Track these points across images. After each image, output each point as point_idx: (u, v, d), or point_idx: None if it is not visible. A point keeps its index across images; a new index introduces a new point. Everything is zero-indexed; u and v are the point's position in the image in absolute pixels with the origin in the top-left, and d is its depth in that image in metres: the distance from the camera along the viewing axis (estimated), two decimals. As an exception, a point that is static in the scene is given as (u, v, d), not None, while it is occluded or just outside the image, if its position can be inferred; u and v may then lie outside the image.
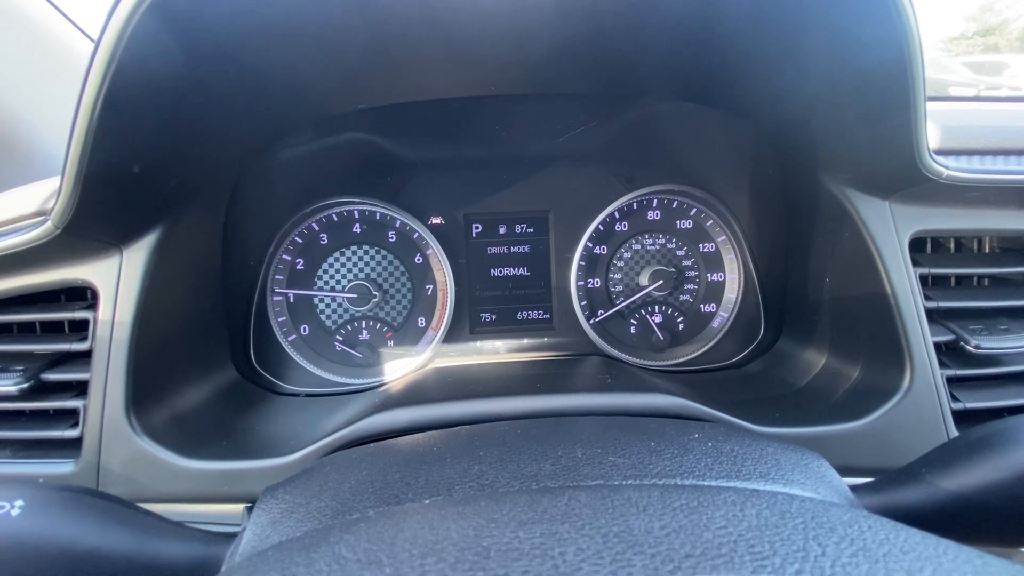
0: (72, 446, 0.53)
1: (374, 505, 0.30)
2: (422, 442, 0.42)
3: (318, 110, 0.64)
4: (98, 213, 0.46)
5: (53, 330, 0.56)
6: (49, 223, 0.45)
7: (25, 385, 0.52)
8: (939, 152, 0.57)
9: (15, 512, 0.28)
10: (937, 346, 0.57)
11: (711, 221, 0.78)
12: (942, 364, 0.57)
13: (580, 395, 0.56)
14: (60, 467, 0.53)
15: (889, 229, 0.56)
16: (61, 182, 0.43)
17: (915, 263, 0.58)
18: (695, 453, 0.35)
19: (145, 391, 0.54)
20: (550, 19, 0.47)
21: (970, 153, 0.58)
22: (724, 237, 0.78)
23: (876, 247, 0.56)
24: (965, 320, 0.59)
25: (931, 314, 0.58)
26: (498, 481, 0.31)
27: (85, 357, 0.53)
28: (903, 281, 0.56)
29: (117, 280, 0.52)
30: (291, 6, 0.42)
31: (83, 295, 0.54)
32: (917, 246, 0.61)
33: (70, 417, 0.54)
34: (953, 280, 0.63)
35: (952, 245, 0.64)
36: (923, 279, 0.58)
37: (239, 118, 0.56)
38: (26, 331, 0.56)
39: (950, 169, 0.51)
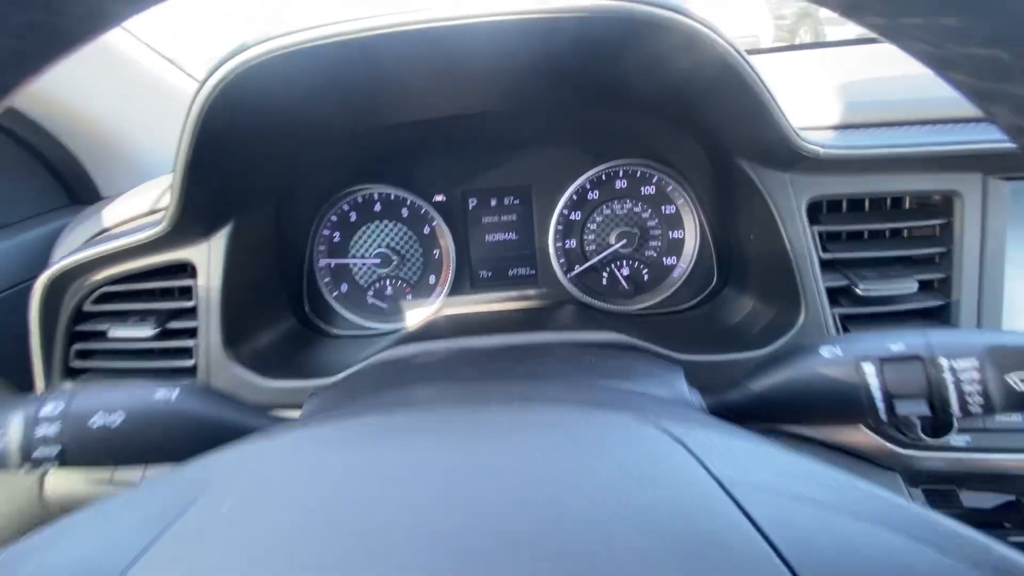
0: (189, 373, 0.77)
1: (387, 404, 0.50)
2: (413, 364, 0.62)
3: (338, 132, 0.82)
4: (192, 216, 0.68)
5: (170, 295, 0.80)
6: (164, 223, 0.68)
7: (157, 330, 0.76)
8: (832, 128, 0.69)
9: (174, 396, 0.51)
10: (834, 289, 0.70)
11: (671, 187, 0.91)
12: (838, 304, 0.70)
13: (551, 332, 0.74)
14: (184, 386, 0.78)
15: (789, 196, 0.68)
16: (172, 196, 0.64)
17: (815, 222, 0.70)
18: (572, 363, 0.52)
19: (233, 334, 0.77)
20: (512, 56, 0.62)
21: (854, 127, 0.68)
22: (683, 200, 0.91)
23: (778, 212, 0.69)
24: (862, 268, 0.71)
25: (831, 264, 0.71)
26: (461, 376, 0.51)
27: (192, 312, 0.76)
28: (800, 238, 0.69)
29: (208, 259, 0.74)
30: (318, 73, 0.60)
31: (186, 270, 0.77)
32: (831, 206, 0.73)
33: (187, 353, 0.78)
34: (867, 235, 0.74)
35: (867, 205, 0.74)
36: (826, 235, 0.71)
37: (282, 148, 0.76)
38: (152, 296, 0.80)
39: (827, 148, 0.62)
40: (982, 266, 0.69)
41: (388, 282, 0.96)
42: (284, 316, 0.89)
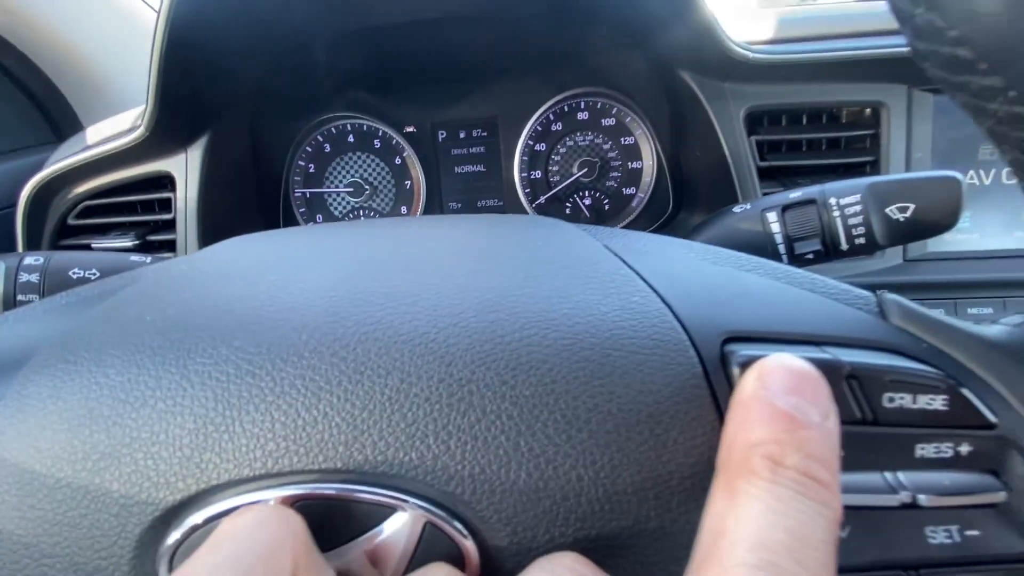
0: (169, 284, 0.82)
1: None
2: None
3: (308, 37, 0.86)
4: (168, 122, 0.72)
5: (151, 207, 0.84)
6: (141, 128, 0.72)
7: (138, 241, 0.80)
8: (774, 42, 0.74)
9: (149, 260, 0.55)
10: (769, 195, 0.75)
11: (629, 117, 0.96)
12: (774, 210, 0.75)
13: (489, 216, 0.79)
14: (164, 297, 0.83)
15: (727, 106, 0.73)
16: (147, 100, 0.69)
17: (753, 132, 0.75)
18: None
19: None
20: None
21: (787, 41, 0.73)
22: (641, 131, 0.96)
23: (717, 120, 0.74)
24: (798, 176, 0.76)
25: (768, 172, 0.76)
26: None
27: (171, 224, 0.81)
28: (739, 147, 0.74)
29: (185, 171, 0.79)
30: None
31: (165, 184, 0.82)
32: (773, 119, 0.78)
33: (166, 265, 0.82)
34: (804, 145, 0.79)
35: (804, 119, 0.79)
36: (761, 144, 0.76)
37: (252, 54, 0.80)
38: (131, 208, 0.84)
39: (756, 54, 0.67)
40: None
41: (361, 212, 1.00)
42: (261, 239, 0.93)
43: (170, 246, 0.81)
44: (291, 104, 0.94)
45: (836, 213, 0.46)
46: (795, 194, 0.48)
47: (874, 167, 0.76)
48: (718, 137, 0.74)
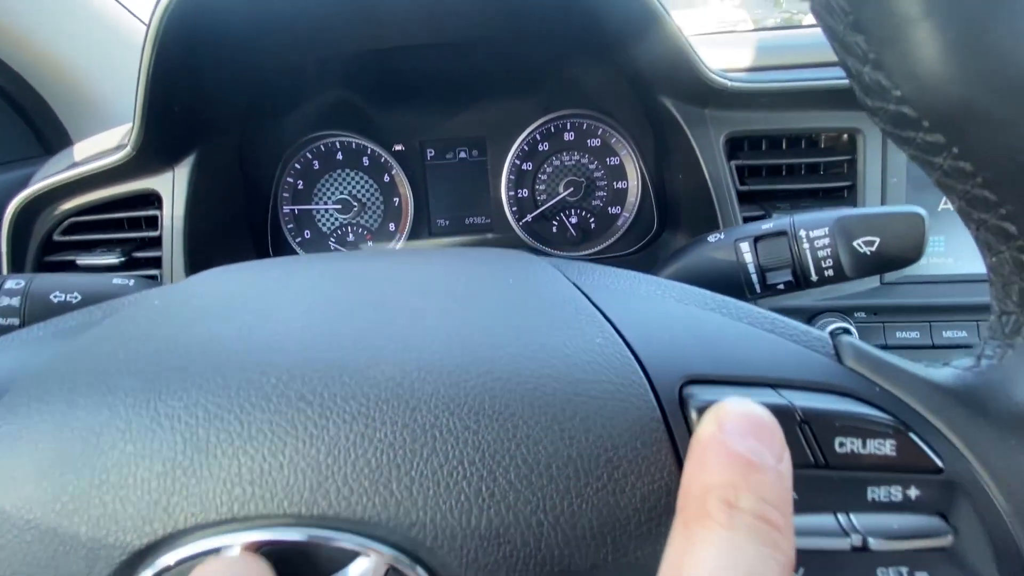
0: (155, 301, 0.82)
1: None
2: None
3: (298, 58, 0.87)
4: (156, 140, 0.73)
5: (135, 225, 0.84)
6: (128, 148, 0.72)
7: (123, 258, 0.80)
8: (743, 70, 0.76)
9: (131, 283, 0.55)
10: (749, 219, 0.76)
11: (615, 139, 0.97)
12: (754, 234, 0.77)
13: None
14: (149, 314, 0.83)
15: (707, 131, 0.75)
16: (135, 119, 0.69)
17: (732, 157, 0.77)
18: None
19: (198, 265, 0.81)
20: None
21: (776, 68, 0.75)
22: (626, 151, 0.98)
23: (698, 146, 0.75)
24: (776, 201, 0.78)
25: (748, 196, 0.77)
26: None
27: (157, 242, 0.81)
28: (718, 170, 0.75)
29: (172, 189, 0.79)
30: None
31: (151, 201, 0.82)
32: (753, 144, 0.79)
33: (152, 281, 0.82)
34: (785, 170, 0.80)
35: (784, 144, 0.81)
36: (741, 169, 0.77)
37: (242, 73, 0.81)
38: (118, 226, 0.84)
39: (733, 82, 0.69)
40: (884, 200, 0.76)
41: (350, 229, 1.01)
42: (248, 256, 0.94)
43: (156, 263, 0.81)
44: (280, 122, 0.95)
45: (806, 245, 0.47)
46: (767, 225, 0.50)
47: (851, 192, 0.78)
48: (699, 162, 0.76)
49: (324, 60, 0.86)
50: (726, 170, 0.75)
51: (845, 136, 0.79)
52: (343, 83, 0.94)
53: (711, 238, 0.52)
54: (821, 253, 0.47)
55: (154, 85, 0.67)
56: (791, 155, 0.78)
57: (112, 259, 0.80)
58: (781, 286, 0.48)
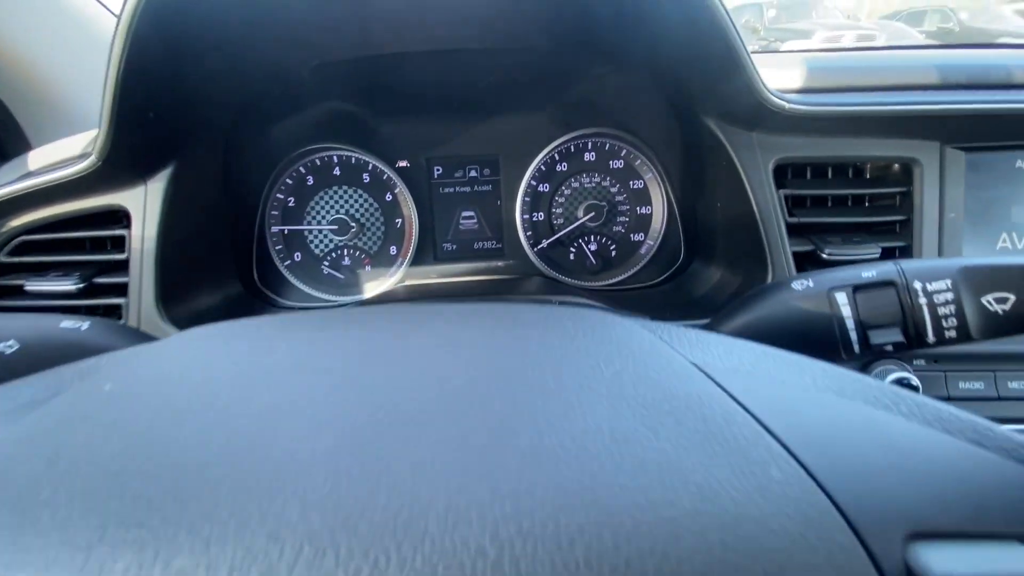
0: (118, 334, 0.71)
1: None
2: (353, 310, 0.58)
3: (301, 61, 0.78)
4: (126, 150, 0.62)
5: (99, 246, 0.73)
6: (93, 157, 0.61)
7: (82, 285, 0.69)
8: (805, 91, 0.69)
9: (85, 326, 0.44)
10: (800, 254, 0.69)
11: (639, 160, 0.90)
12: (803, 269, 0.69)
13: (513, 304, 0.71)
14: (111, 349, 0.71)
15: (755, 157, 0.68)
16: (99, 126, 0.59)
17: (781, 186, 0.69)
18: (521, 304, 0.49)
19: (170, 292, 0.70)
20: None
21: (832, 91, 0.69)
22: (651, 175, 0.90)
23: (745, 173, 0.68)
24: (827, 234, 0.71)
25: (797, 229, 0.70)
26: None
27: (124, 266, 0.70)
28: (767, 201, 0.68)
29: (144, 205, 0.68)
30: None
31: (119, 218, 0.71)
32: (796, 172, 0.72)
33: (116, 311, 0.71)
34: (831, 201, 0.74)
35: (830, 172, 0.74)
36: (793, 199, 0.70)
37: (230, 77, 0.71)
38: (79, 246, 0.73)
39: (792, 104, 0.62)
40: (941, 236, 0.70)
41: (345, 251, 0.91)
42: (229, 281, 0.83)
43: (120, 291, 0.70)
44: (271, 132, 0.85)
45: (922, 300, 0.39)
46: (868, 273, 0.42)
47: (904, 227, 0.71)
48: (745, 189, 0.68)
49: (324, 64, 0.77)
50: (775, 199, 0.68)
51: (897, 166, 0.73)
52: (343, 90, 0.85)
53: (796, 285, 0.44)
54: (943, 310, 0.39)
55: (126, 86, 0.57)
56: (841, 185, 0.71)
57: (68, 285, 0.69)
58: (889, 347, 0.40)
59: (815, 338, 0.43)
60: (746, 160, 0.68)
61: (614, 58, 0.74)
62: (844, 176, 0.74)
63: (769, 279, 0.68)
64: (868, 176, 0.75)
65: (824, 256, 0.68)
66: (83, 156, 0.66)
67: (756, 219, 0.68)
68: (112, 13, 0.96)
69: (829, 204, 0.73)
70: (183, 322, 0.70)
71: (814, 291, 0.43)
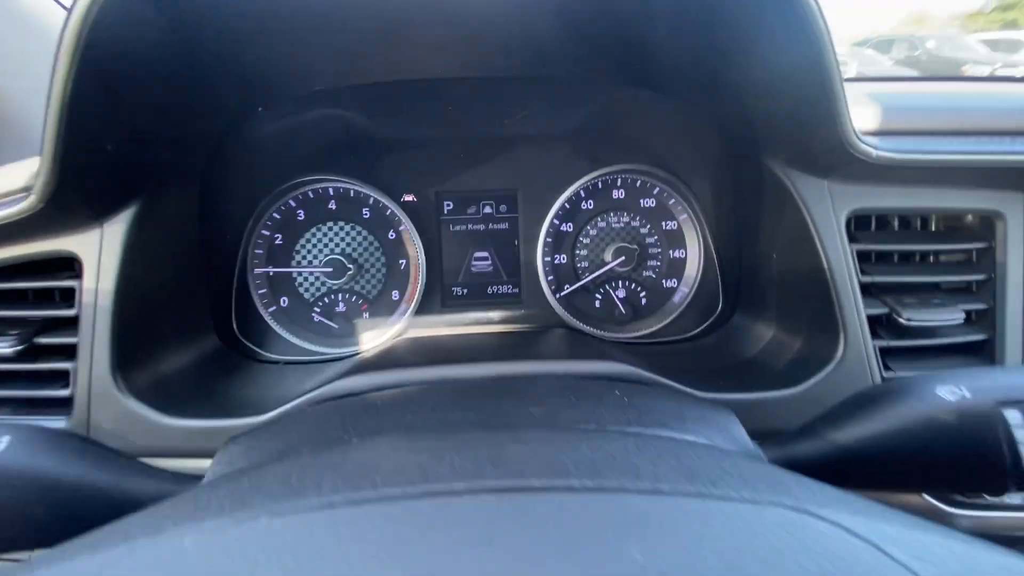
0: (64, 405, 0.58)
1: (312, 445, 0.34)
2: (375, 396, 0.46)
3: (299, 86, 0.67)
4: (76, 188, 0.50)
5: (45, 298, 0.60)
6: (33, 197, 0.49)
7: (20, 347, 0.56)
8: (880, 133, 0.60)
9: (2, 446, 0.33)
10: (872, 318, 0.60)
11: (673, 200, 0.81)
12: (876, 335, 0.61)
13: (538, 362, 0.60)
14: (54, 423, 0.58)
15: (827, 207, 0.59)
16: (40, 158, 0.47)
17: (852, 239, 0.61)
18: (607, 405, 0.39)
19: (130, 354, 0.58)
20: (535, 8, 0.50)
21: (910, 134, 0.60)
22: (686, 216, 0.81)
23: (814, 224, 0.59)
24: (900, 294, 0.62)
25: (867, 288, 0.61)
26: (425, 424, 0.35)
27: (73, 323, 0.57)
28: (839, 257, 0.59)
29: (99, 252, 0.56)
30: None
31: (69, 265, 0.58)
32: (858, 223, 0.64)
33: (62, 378, 0.58)
34: (896, 257, 0.66)
35: (896, 223, 0.66)
36: (860, 255, 0.62)
37: (216, 93, 0.60)
38: (19, 298, 0.60)
39: (879, 150, 0.53)
40: (1026, 296, 0.62)
41: (340, 296, 0.79)
42: (202, 334, 0.70)
43: (68, 353, 0.57)
44: (258, 161, 0.73)
45: None
46: (1045, 383, 0.32)
47: (983, 287, 0.63)
48: (813, 242, 0.59)
49: (324, 88, 0.66)
50: (848, 255, 0.59)
51: (969, 218, 0.65)
52: (342, 114, 0.74)
53: (945, 393, 0.35)
54: None
55: (75, 110, 0.45)
56: (915, 239, 0.63)
57: (4, 348, 0.56)
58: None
59: (972, 462, 0.34)
60: (817, 210, 0.59)
61: (668, 87, 0.65)
62: (911, 229, 0.66)
63: (840, 346, 0.59)
64: (934, 229, 0.67)
65: (902, 322, 0.59)
66: (25, 191, 0.54)
67: (825, 277, 0.59)
68: (63, 6, 0.84)
69: (895, 260, 0.65)
70: (145, 392, 0.58)
71: (975, 405, 0.34)
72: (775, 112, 0.55)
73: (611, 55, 0.58)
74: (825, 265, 0.59)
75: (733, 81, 0.55)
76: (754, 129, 0.60)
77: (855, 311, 0.59)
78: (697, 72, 0.58)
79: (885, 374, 0.60)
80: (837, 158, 0.54)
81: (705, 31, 0.49)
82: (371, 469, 0.25)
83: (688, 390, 0.57)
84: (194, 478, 0.41)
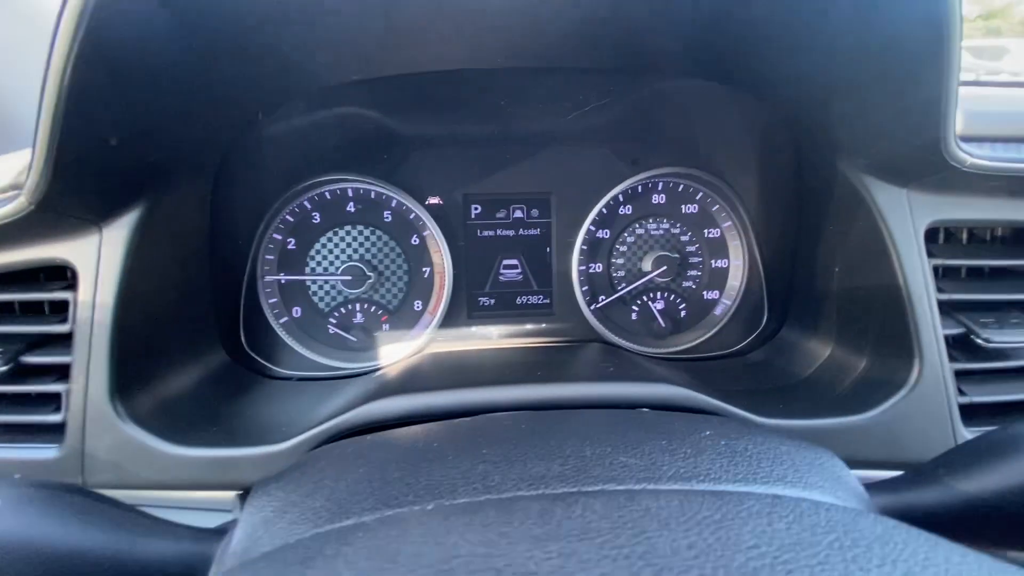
0: (55, 431, 0.51)
1: (372, 508, 0.28)
2: (421, 436, 0.40)
3: (317, 80, 0.60)
4: (73, 188, 0.44)
5: (34, 311, 0.53)
6: (22, 198, 0.43)
7: (4, 368, 0.49)
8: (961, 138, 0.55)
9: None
10: (947, 339, 0.56)
11: (717, 206, 0.76)
12: (951, 357, 0.56)
13: (581, 384, 0.55)
14: (43, 452, 0.51)
15: (906, 218, 0.54)
16: (32, 154, 0.40)
17: (930, 254, 0.56)
18: (709, 453, 0.33)
19: (130, 375, 0.52)
20: None
21: (987, 140, 0.56)
22: (730, 223, 0.76)
23: (891, 236, 0.54)
24: (976, 313, 0.57)
25: (942, 306, 0.57)
26: (504, 483, 0.30)
27: (66, 340, 0.51)
28: (916, 272, 0.54)
29: (97, 260, 0.49)
30: None
31: (63, 274, 0.52)
32: (930, 236, 0.59)
33: (53, 401, 0.51)
34: (964, 271, 0.61)
35: (964, 236, 0.62)
36: (936, 270, 0.57)
37: (230, 86, 0.53)
38: (5, 311, 0.53)
39: (974, 157, 0.49)
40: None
41: (358, 306, 0.73)
42: (209, 349, 0.64)
43: (60, 374, 0.51)
44: (271, 159, 0.67)
45: None
46: None
47: (1062, 303, 0.59)
48: (888, 256, 0.55)
49: (347, 82, 0.59)
50: (926, 270, 0.54)
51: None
52: (365, 109, 0.67)
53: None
54: None
55: (75, 98, 0.38)
56: (1006, 254, 0.58)
57: (-15, 367, 0.49)
58: None
59: None
60: (894, 222, 0.54)
61: (739, 77, 0.59)
62: (983, 242, 0.61)
63: (915, 369, 0.54)
64: (1003, 240, 0.62)
65: (981, 342, 0.55)
66: (13, 190, 0.47)
67: (901, 294, 0.54)
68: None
69: (963, 275, 0.60)
70: (147, 417, 0.51)
71: None
72: (865, 109, 0.50)
73: (677, 39, 0.52)
74: (901, 281, 0.54)
75: (825, 71, 0.50)
76: (834, 130, 0.55)
77: (932, 331, 0.54)
78: (783, 64, 0.52)
79: (961, 400, 0.55)
80: (928, 164, 0.49)
81: (811, 10, 0.44)
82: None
83: (748, 415, 0.52)
84: (215, 533, 0.35)
